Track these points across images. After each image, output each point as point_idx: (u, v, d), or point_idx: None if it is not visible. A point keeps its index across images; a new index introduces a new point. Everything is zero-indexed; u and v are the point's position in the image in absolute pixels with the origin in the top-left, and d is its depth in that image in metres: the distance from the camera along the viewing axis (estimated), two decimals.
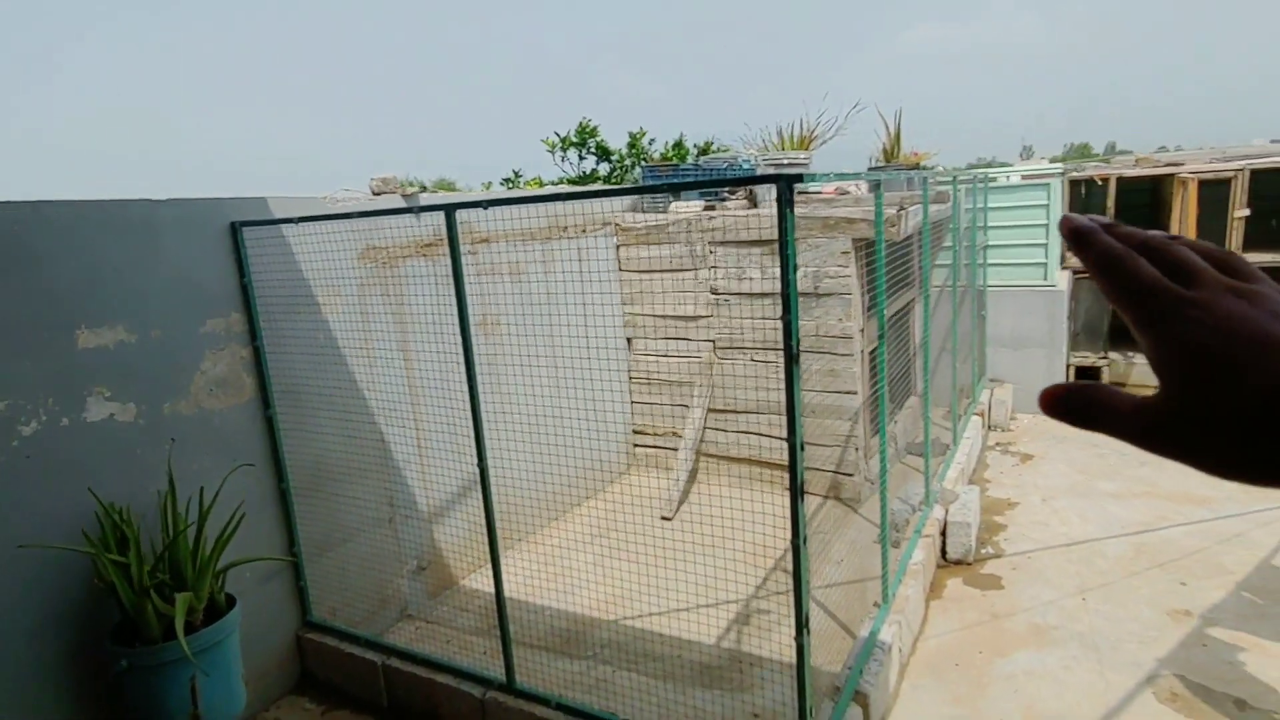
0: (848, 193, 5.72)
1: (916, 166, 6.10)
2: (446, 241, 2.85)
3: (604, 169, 10.21)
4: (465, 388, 3.10)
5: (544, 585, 4.61)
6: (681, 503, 5.85)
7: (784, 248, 2.17)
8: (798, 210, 5.69)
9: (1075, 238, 0.43)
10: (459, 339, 3.09)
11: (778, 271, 5.65)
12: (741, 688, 3.67)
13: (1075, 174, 7.61)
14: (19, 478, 2.79)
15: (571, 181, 9.83)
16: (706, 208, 6.11)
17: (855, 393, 5.53)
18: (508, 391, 5.04)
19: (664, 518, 5.66)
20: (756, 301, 5.78)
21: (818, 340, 5.55)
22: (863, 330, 5.58)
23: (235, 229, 3.47)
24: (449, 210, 2.81)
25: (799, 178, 2.14)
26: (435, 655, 3.59)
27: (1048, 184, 6.85)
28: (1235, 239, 7.25)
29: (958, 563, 4.65)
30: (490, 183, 9.59)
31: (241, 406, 3.57)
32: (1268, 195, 7.15)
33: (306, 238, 3.77)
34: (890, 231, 5.19)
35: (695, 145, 10.77)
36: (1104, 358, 8.15)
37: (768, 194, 6.19)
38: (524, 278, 5.23)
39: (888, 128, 6.08)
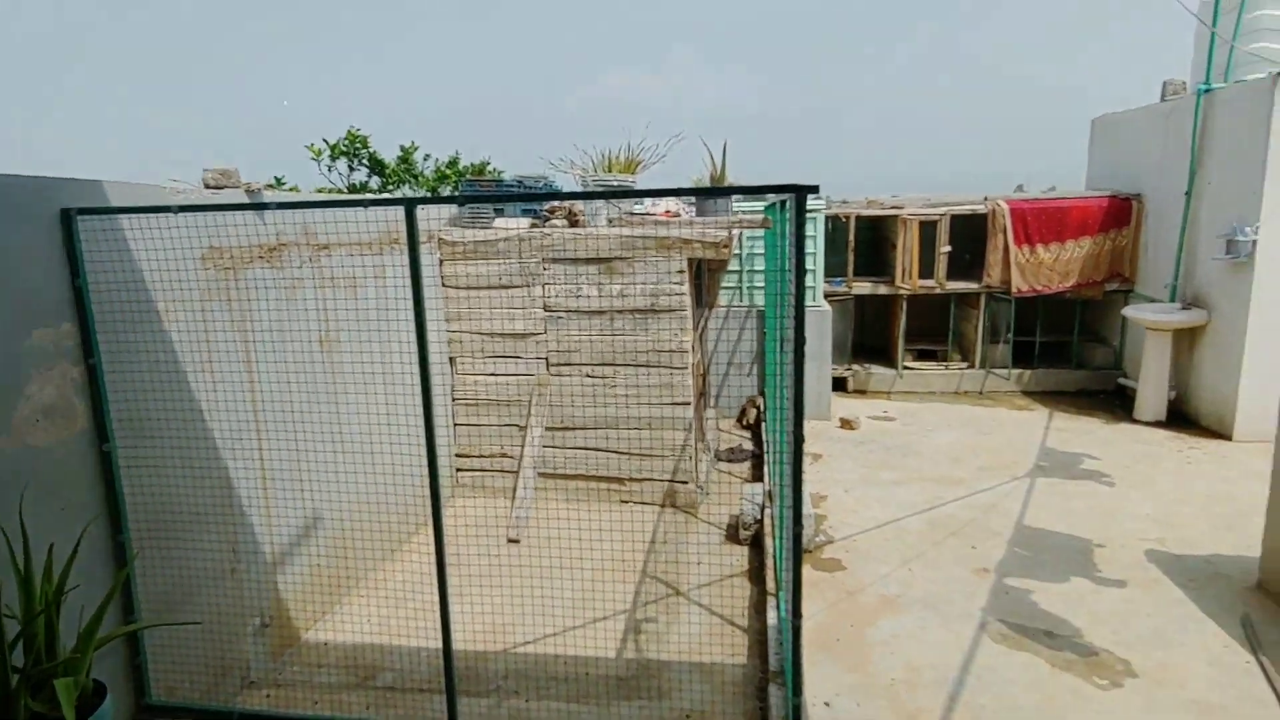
0: (679, 215, 6.08)
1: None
2: (405, 239, 2.56)
3: (375, 182, 9.59)
4: (419, 394, 2.80)
5: (406, 625, 4.23)
6: (523, 524, 5.69)
7: (800, 248, 2.33)
8: (634, 230, 5.93)
9: None
10: (410, 346, 2.78)
11: (614, 288, 5.83)
12: (661, 694, 3.70)
13: (826, 211, 8.84)
14: None
15: (351, 190, 9.08)
16: (532, 225, 6.08)
17: (689, 403, 5.85)
18: (346, 416, 4.56)
19: (511, 540, 5.46)
20: (593, 319, 5.86)
21: (654, 355, 5.79)
22: (693, 346, 5.94)
23: (68, 217, 2.76)
24: (409, 206, 2.53)
25: (814, 188, 2.32)
26: (349, 716, 3.13)
27: (814, 217, 7.88)
28: (941, 269, 8.95)
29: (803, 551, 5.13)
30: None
31: (72, 440, 2.82)
32: (961, 235, 8.94)
33: (146, 234, 3.12)
34: (723, 252, 5.63)
35: (470, 165, 10.57)
36: (849, 369, 9.53)
37: (593, 217, 6.32)
38: (361, 291, 4.78)
39: (713, 157, 6.57)
